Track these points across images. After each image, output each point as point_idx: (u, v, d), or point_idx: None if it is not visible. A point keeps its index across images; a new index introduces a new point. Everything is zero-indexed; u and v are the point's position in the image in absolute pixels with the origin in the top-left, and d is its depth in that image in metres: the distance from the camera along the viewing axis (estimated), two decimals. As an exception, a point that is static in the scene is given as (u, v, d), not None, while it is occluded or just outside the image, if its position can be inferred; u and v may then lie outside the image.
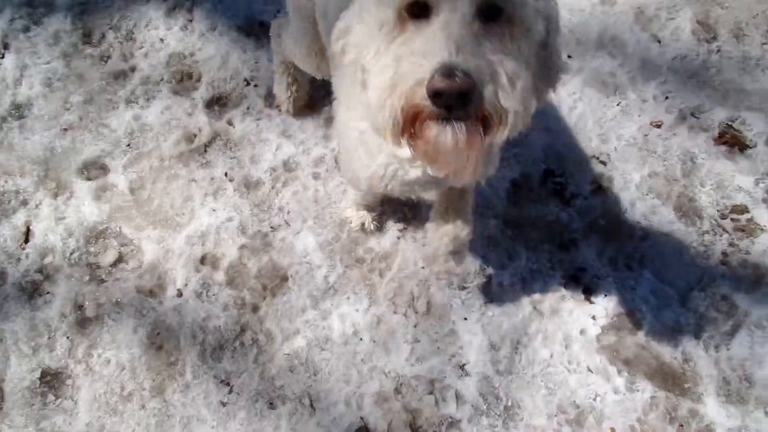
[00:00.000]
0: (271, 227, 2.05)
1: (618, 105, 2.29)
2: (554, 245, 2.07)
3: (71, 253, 1.99)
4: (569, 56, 2.36)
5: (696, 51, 2.39)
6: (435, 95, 0.74)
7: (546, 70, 0.95)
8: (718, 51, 2.39)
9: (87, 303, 1.92)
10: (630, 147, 2.23)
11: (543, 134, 2.24)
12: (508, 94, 0.76)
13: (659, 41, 2.41)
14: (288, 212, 2.07)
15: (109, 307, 1.92)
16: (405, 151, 0.92)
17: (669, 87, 2.33)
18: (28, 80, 2.23)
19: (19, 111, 2.18)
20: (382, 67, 0.81)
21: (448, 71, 0.72)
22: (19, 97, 2.20)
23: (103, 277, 1.97)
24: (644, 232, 2.08)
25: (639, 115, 2.28)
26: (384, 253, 2.01)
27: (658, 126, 2.26)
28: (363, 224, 1.99)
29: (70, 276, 1.95)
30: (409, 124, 0.81)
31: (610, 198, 2.15)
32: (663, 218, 2.10)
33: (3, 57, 2.26)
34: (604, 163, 2.20)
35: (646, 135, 2.25)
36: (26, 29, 2.31)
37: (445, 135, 0.79)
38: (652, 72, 2.36)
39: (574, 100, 2.29)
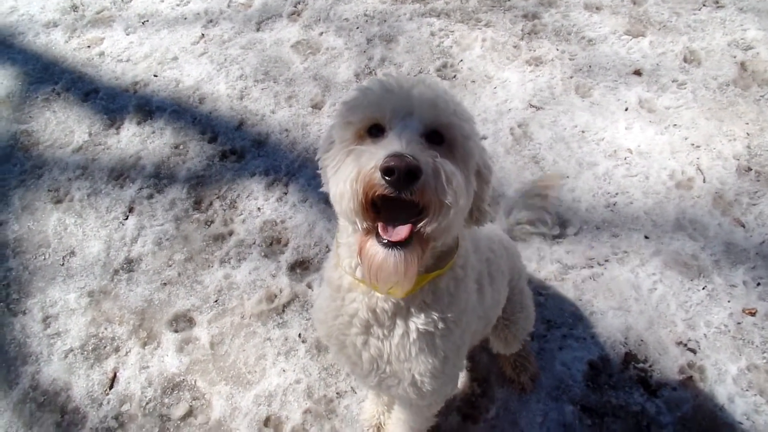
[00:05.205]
0: (337, 393, 2.04)
1: (704, 289, 2.20)
2: (641, 441, 1.87)
3: (147, 403, 2.06)
4: (646, 237, 2.36)
5: (786, 237, 2.31)
6: (387, 172, 0.89)
7: (474, 210, 1.13)
8: (812, 238, 2.29)
9: (151, 457, 1.94)
10: (722, 335, 2.08)
11: (620, 314, 2.15)
12: (445, 187, 0.92)
13: (743, 225, 2.36)
14: (354, 378, 2.06)
15: (170, 464, 1.92)
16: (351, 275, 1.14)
17: (760, 273, 2.22)
18: (143, 239, 2.55)
19: (130, 265, 2.47)
20: (346, 165, 0.98)
21: (398, 155, 0.89)
22: (132, 253, 2.50)
23: (171, 430, 2.00)
24: (748, 434, 1.84)
25: (729, 301, 2.16)
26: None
27: (752, 314, 2.11)
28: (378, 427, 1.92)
29: (141, 426, 2.01)
30: (368, 202, 0.95)
31: (704, 391, 1.96)
32: (770, 420, 1.86)
33: (127, 218, 2.63)
34: (693, 351, 2.05)
35: (739, 323, 2.10)
36: (150, 196, 2.70)
37: (381, 253, 0.96)
38: (739, 256, 2.27)
39: (654, 282, 2.22)
